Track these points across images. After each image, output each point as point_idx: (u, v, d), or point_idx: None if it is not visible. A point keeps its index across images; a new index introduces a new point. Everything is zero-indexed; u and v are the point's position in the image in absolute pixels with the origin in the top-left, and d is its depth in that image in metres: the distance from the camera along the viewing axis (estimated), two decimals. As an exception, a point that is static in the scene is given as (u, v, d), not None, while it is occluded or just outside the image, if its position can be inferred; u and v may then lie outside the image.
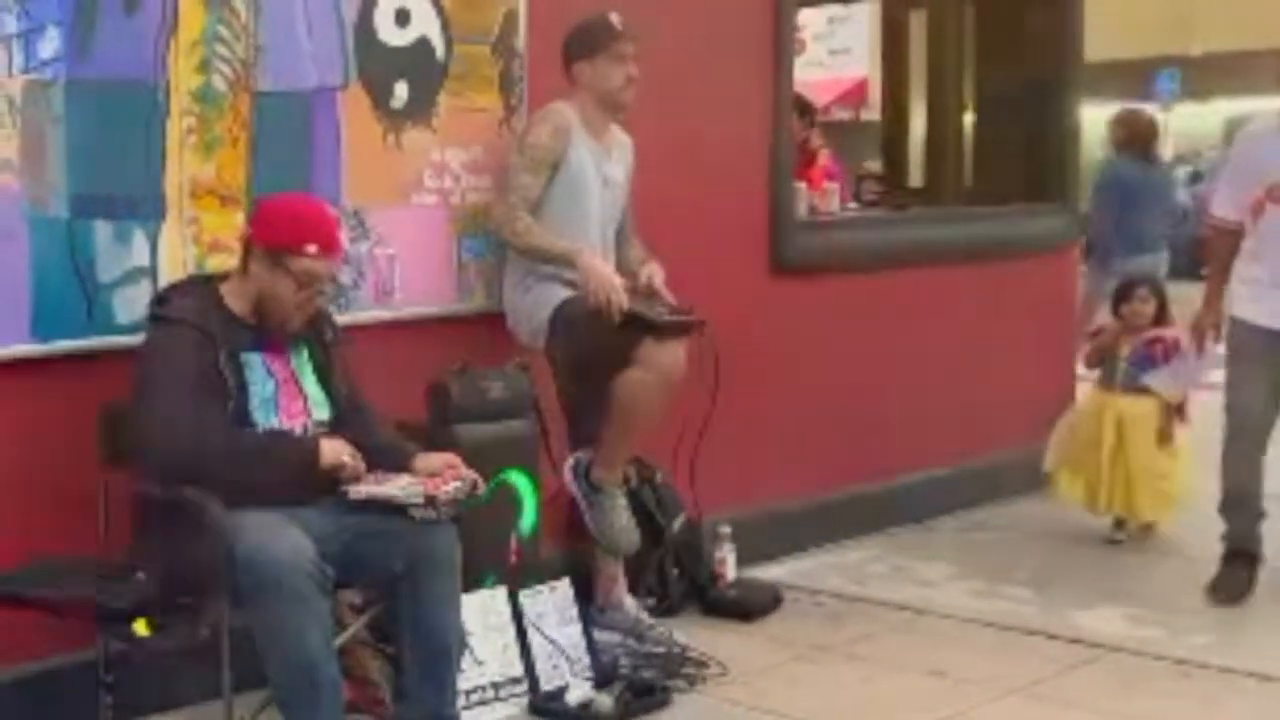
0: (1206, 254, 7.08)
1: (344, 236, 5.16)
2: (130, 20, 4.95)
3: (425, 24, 5.79)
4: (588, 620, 5.71)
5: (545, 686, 5.36)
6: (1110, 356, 7.59)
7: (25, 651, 4.86)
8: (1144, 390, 7.40)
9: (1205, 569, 6.68)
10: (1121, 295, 7.66)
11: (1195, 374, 7.18)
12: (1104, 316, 7.70)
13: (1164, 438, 7.45)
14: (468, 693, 5.06)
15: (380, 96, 5.67)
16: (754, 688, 5.55)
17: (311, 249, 4.61)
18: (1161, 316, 7.55)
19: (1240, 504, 6.60)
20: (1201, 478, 6.97)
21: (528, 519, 5.67)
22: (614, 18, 5.85)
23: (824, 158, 9.38)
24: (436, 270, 5.90)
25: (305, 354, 4.85)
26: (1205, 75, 12.54)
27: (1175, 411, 7.48)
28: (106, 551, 4.75)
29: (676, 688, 5.48)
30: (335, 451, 4.63)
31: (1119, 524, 7.55)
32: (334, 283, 5.06)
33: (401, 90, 5.73)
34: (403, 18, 5.71)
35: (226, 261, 5.01)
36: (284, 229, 4.65)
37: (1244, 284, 6.64)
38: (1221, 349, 6.75)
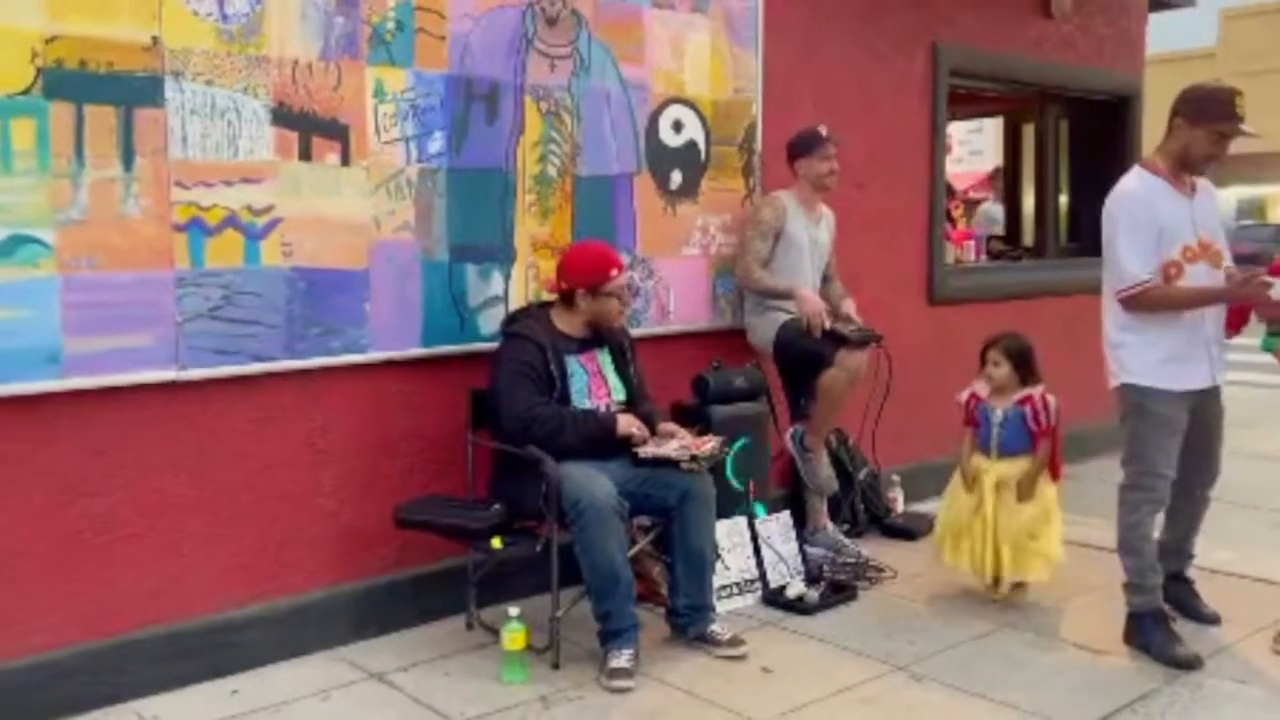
0: (1159, 304, 4.31)
1: (624, 258, 4.78)
2: (491, 127, 4.76)
3: (694, 131, 5.50)
4: (801, 540, 5.48)
5: (772, 585, 5.13)
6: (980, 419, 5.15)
7: (418, 558, 4.74)
8: (1018, 454, 5.00)
9: (1227, 510, 6.06)
10: (981, 355, 5.16)
11: None
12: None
13: (1023, 494, 4.94)
14: (719, 588, 4.86)
15: (662, 180, 5.39)
16: (915, 585, 5.34)
17: (614, 273, 4.48)
18: (1026, 376, 5.05)
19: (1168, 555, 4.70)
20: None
21: (761, 470, 5.42)
22: (822, 129, 5.60)
23: (960, 224, 8.99)
24: (698, 299, 5.62)
25: (609, 356, 4.63)
26: (1224, 169, 11.93)
27: (1047, 471, 5.01)
28: (472, 490, 4.64)
29: (862, 586, 5.26)
30: (627, 425, 4.44)
31: (995, 583, 5.06)
32: (629, 289, 4.94)
33: (676, 176, 5.44)
34: (678, 126, 5.43)
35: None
36: (590, 272, 4.48)
37: (1154, 350, 4.36)
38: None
